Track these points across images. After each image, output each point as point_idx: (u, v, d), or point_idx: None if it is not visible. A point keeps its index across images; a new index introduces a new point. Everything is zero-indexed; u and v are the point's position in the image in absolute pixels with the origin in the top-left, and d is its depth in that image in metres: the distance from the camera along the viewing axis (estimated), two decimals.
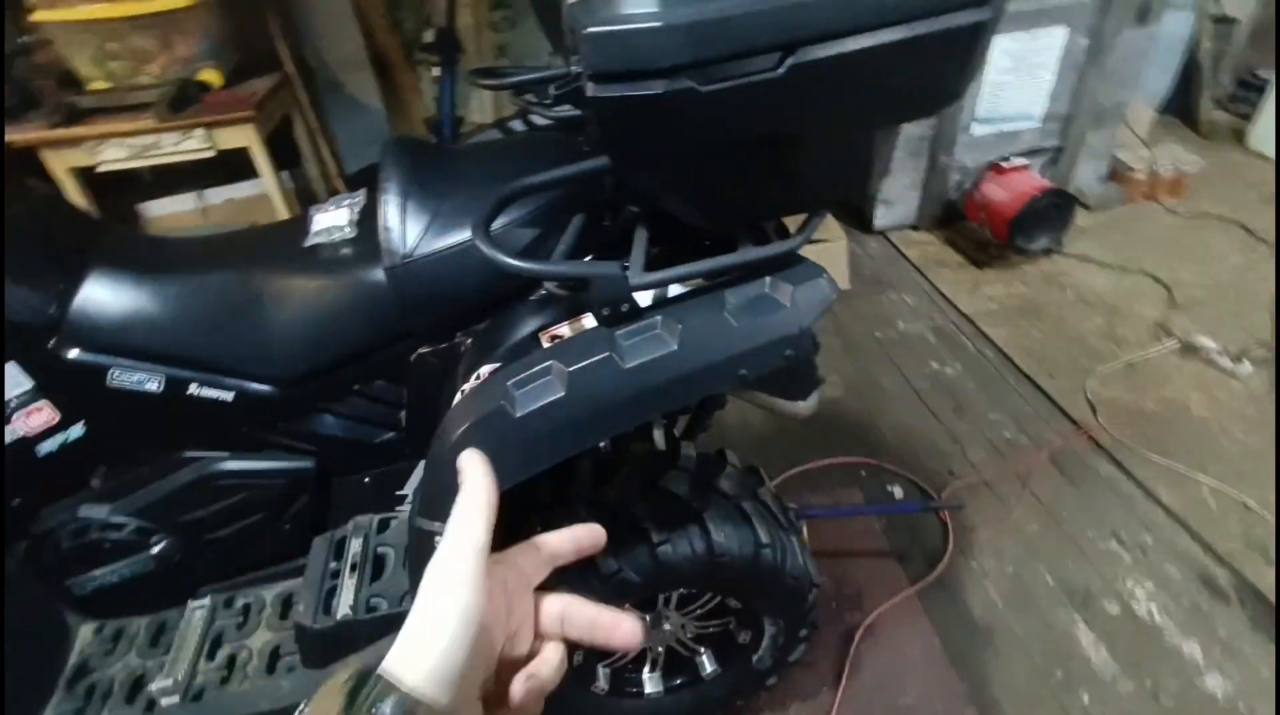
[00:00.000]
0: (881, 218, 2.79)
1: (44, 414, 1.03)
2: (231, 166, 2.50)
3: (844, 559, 1.62)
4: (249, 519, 1.16)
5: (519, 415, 0.80)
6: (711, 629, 1.24)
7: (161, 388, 1.04)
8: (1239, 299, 2.31)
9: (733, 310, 0.83)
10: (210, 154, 2.29)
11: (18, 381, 1.01)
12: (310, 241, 1.08)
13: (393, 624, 1.04)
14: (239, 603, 1.22)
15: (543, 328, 0.97)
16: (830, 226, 2.45)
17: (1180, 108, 3.43)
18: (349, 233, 1.08)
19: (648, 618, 1.19)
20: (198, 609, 1.20)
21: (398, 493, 1.08)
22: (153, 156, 2.26)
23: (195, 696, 1.10)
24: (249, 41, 2.49)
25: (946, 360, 2.17)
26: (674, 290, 0.90)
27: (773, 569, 1.08)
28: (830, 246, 2.40)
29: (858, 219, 2.87)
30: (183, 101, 2.23)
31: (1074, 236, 2.61)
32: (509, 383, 0.82)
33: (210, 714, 1.07)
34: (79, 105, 2.19)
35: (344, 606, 1.06)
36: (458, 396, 0.94)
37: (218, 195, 2.64)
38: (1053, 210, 2.49)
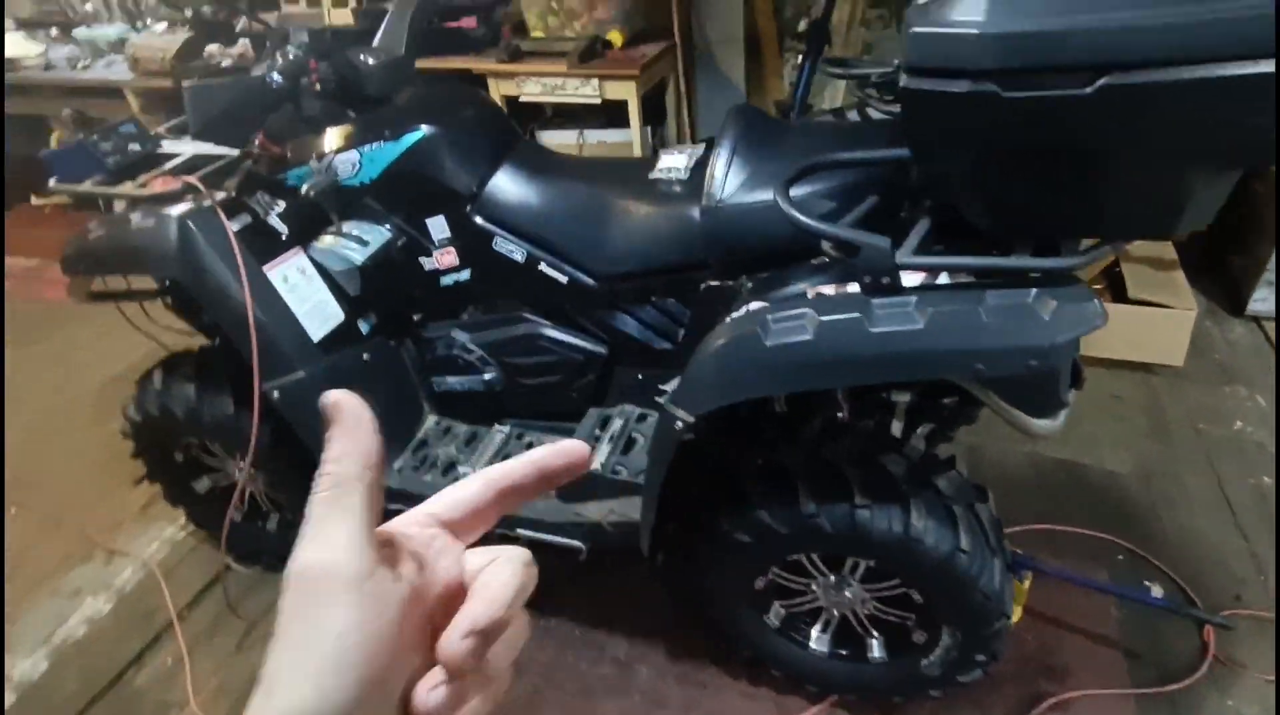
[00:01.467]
0: (1261, 301, 2.34)
1: (450, 256, 1.44)
2: (612, 114, 2.98)
3: (1063, 630, 1.51)
4: (550, 377, 1.49)
5: (768, 343, 0.96)
6: (890, 617, 1.29)
7: (523, 259, 1.39)
8: None
9: (988, 309, 0.88)
10: (597, 101, 2.76)
11: (442, 229, 1.42)
12: (653, 174, 1.34)
13: (625, 490, 1.29)
14: (526, 438, 1.58)
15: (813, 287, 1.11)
16: (1181, 292, 2.14)
17: None
18: (683, 174, 1.32)
19: (833, 578, 1.28)
20: (499, 432, 1.59)
21: (660, 387, 1.31)
22: (559, 96, 2.79)
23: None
24: (650, 11, 2.91)
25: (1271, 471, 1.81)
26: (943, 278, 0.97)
27: (965, 578, 1.10)
28: (1173, 314, 2.10)
29: (1228, 295, 2.44)
30: (589, 55, 2.72)
31: None
32: (768, 316, 0.98)
33: None
34: (520, 48, 2.78)
35: (596, 462, 1.34)
36: (727, 322, 1.12)
37: (593, 136, 3.15)
38: None
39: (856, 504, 1.11)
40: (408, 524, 0.31)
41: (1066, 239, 0.93)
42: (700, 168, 1.31)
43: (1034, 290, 0.88)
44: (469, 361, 1.50)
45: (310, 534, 0.26)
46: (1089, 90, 0.71)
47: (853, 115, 1.63)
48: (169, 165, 1.40)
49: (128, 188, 1.36)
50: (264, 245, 1.35)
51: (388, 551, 0.28)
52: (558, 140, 3.22)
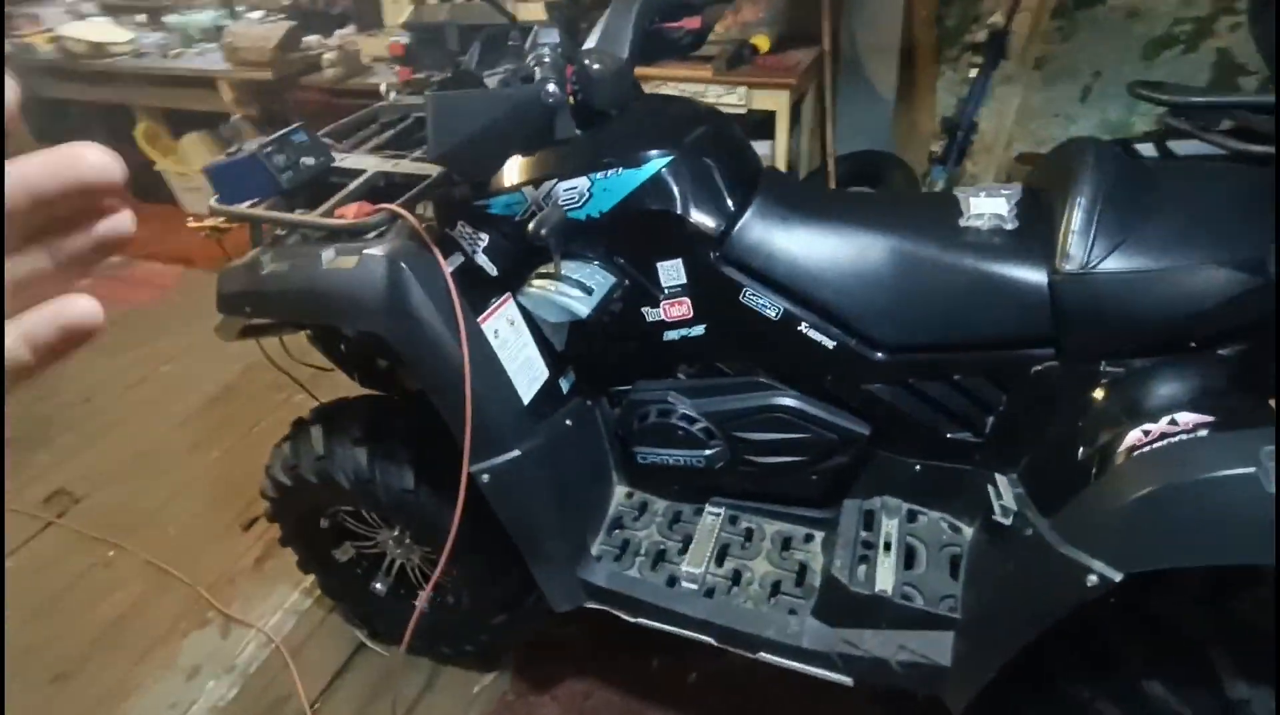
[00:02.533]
0: None
1: (683, 308, 1.18)
2: (746, 121, 2.72)
3: None
4: (789, 456, 1.22)
5: (1270, 491, 0.68)
6: None
7: (778, 317, 1.12)
8: None
9: None
10: (743, 111, 2.49)
11: (677, 275, 1.15)
12: (965, 222, 1.06)
13: (927, 622, 1.01)
14: (742, 524, 1.31)
15: (1259, 392, 0.83)
16: None
17: None
18: (1009, 224, 1.05)
19: None
20: (710, 514, 1.32)
21: (996, 503, 1.02)
22: None
23: (708, 593, 1.21)
24: (796, 15, 2.63)
25: None
26: None
27: None
28: None
29: None
30: (737, 60, 2.45)
31: None
32: (1265, 448, 0.70)
33: (719, 615, 1.17)
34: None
35: (883, 581, 1.06)
36: (1135, 433, 0.84)
37: None
38: None
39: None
40: None
41: None
42: (1028, 214, 1.04)
43: None
44: (691, 433, 1.24)
45: None
46: None
47: (1145, 148, 1.36)
48: (354, 185, 1.15)
49: (305, 213, 1.11)
50: (475, 291, 1.10)
51: None
52: None
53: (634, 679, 1.48)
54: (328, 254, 1.03)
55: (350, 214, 1.07)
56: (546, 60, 0.96)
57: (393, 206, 1.04)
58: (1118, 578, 0.77)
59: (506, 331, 1.13)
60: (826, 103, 2.73)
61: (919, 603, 1.05)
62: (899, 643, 1.05)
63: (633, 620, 1.23)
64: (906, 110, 2.84)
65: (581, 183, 1.11)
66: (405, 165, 1.21)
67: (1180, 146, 1.27)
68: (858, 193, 1.90)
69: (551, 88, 0.91)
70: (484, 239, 1.15)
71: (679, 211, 1.10)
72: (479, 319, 1.09)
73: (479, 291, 1.10)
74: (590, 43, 1.17)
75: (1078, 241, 0.94)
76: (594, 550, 1.29)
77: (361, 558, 1.51)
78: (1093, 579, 0.78)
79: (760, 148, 2.77)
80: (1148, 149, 1.33)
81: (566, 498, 1.24)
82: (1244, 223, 0.91)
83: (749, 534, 1.29)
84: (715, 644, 1.17)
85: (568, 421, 1.24)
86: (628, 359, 1.28)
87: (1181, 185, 1.00)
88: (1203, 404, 0.84)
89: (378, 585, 1.51)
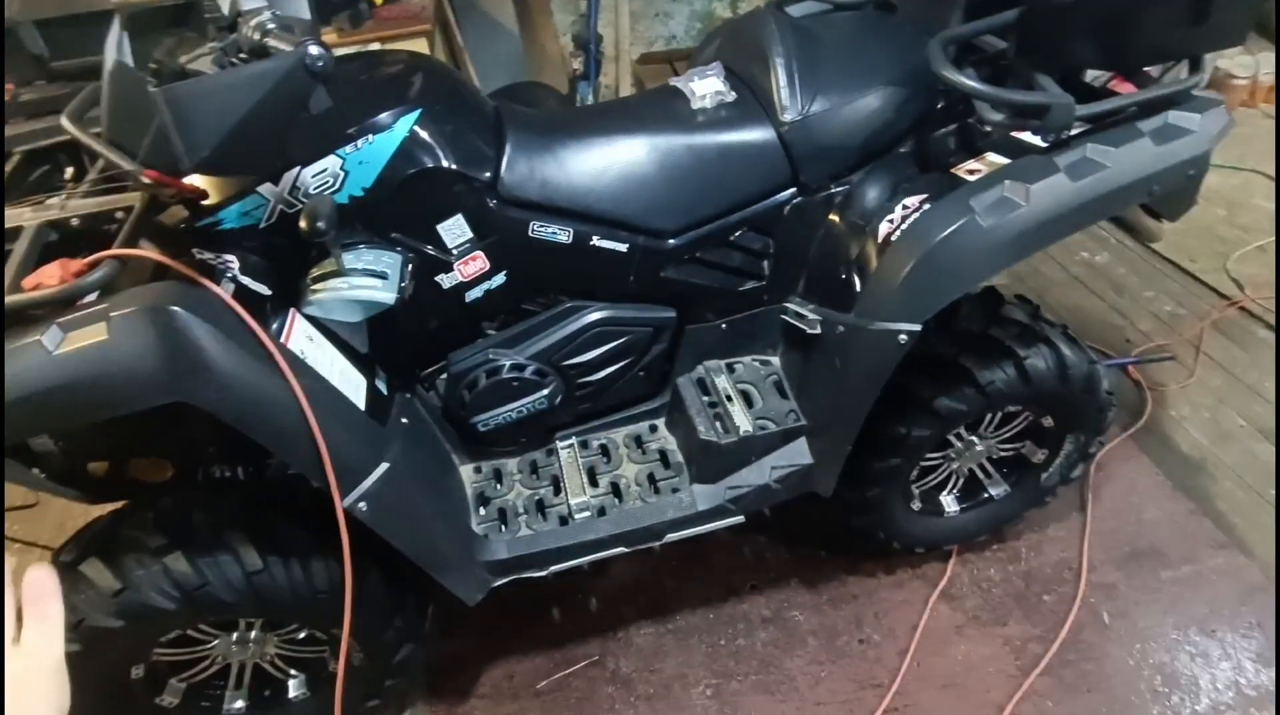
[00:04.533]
0: None
1: (478, 262, 1.15)
2: None
3: None
4: (617, 363, 1.30)
5: (987, 224, 0.96)
6: (1010, 452, 1.43)
7: (571, 239, 1.17)
8: None
9: (1150, 135, 0.99)
10: None
11: (461, 232, 1.13)
12: (696, 104, 1.20)
13: (785, 438, 1.21)
14: (594, 444, 1.38)
15: (935, 169, 1.13)
16: None
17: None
18: (729, 97, 1.21)
19: (963, 442, 1.37)
20: (563, 448, 1.36)
21: (796, 324, 1.22)
22: None
23: (600, 512, 1.26)
24: None
25: (1094, 251, 2.35)
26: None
27: (1099, 384, 1.27)
28: None
29: None
30: (358, 17, 2.29)
31: None
32: (971, 201, 0.97)
33: (623, 522, 1.24)
34: None
35: (743, 426, 1.23)
36: (884, 225, 1.09)
37: None
38: None
39: (1020, 357, 1.19)
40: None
41: (1166, 61, 1.07)
42: (740, 87, 1.22)
43: (1172, 111, 1.01)
44: (525, 380, 1.24)
45: None
46: None
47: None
48: (20, 249, 0.87)
49: None
50: (256, 319, 0.94)
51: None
52: None
53: (542, 636, 1.50)
54: (50, 337, 0.79)
55: (52, 280, 0.83)
56: (272, 27, 0.83)
57: (119, 251, 0.83)
58: (918, 327, 1.01)
59: (311, 349, 1.00)
60: (458, 44, 2.70)
61: (774, 427, 1.24)
62: (770, 465, 1.24)
63: (545, 573, 1.24)
64: (533, 38, 2.93)
65: (330, 163, 1.00)
66: (78, 204, 0.95)
67: (795, 10, 1.55)
68: (595, 106, 1.93)
69: (315, 50, 0.80)
70: (233, 260, 0.98)
71: (446, 164, 1.06)
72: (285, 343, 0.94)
73: (260, 318, 0.95)
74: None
75: (788, 95, 1.14)
76: (478, 532, 1.25)
77: (196, 689, 1.25)
78: (903, 337, 1.02)
79: None
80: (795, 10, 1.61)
81: (438, 493, 1.18)
82: (884, 53, 1.20)
83: (604, 449, 1.36)
84: (628, 550, 1.25)
85: (403, 419, 1.16)
86: (433, 336, 1.22)
87: (834, 35, 1.26)
88: (914, 188, 1.11)
89: (237, 705, 1.28)
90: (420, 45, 2.32)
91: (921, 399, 1.20)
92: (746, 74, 1.22)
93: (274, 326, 0.96)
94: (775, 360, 1.36)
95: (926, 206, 1.05)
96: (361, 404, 1.04)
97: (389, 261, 1.07)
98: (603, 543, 1.24)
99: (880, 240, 1.08)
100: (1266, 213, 2.46)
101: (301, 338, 1.00)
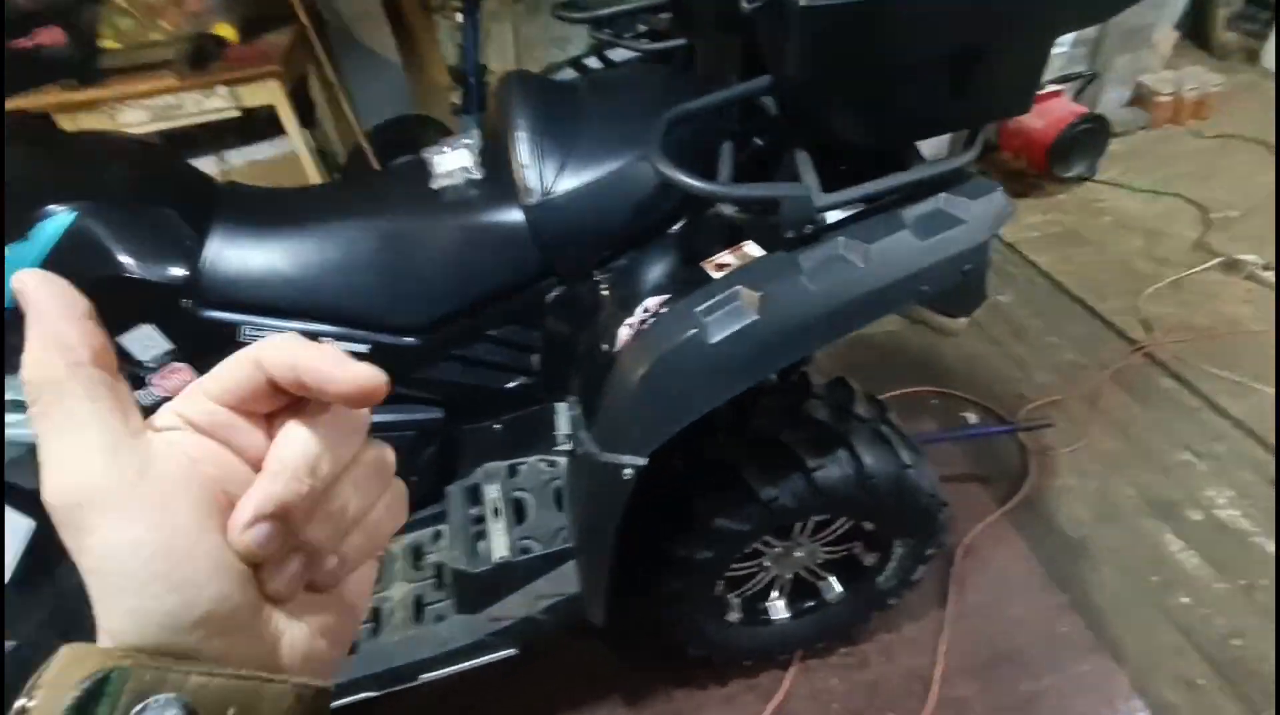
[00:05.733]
0: None
1: (181, 375, 1.00)
2: (247, 127, 2.41)
3: None
4: None
5: (714, 341, 0.80)
6: (839, 554, 1.27)
7: None
8: (1271, 215, 2.35)
9: (912, 227, 0.83)
10: (235, 113, 2.19)
11: (156, 343, 0.98)
12: (437, 183, 1.05)
13: (550, 563, 1.05)
14: None
15: (696, 258, 0.97)
16: None
17: (1191, 29, 3.43)
18: (476, 173, 1.06)
19: (782, 546, 1.21)
20: None
21: (555, 434, 1.07)
22: (176, 118, 2.16)
23: (350, 650, 1.10)
24: None
25: (998, 289, 2.19)
26: (831, 215, 0.90)
27: (914, 489, 1.10)
28: None
29: None
30: (201, 57, 2.13)
31: (1104, 163, 2.63)
32: (697, 310, 0.81)
33: (370, 664, 1.08)
34: (97, 67, 2.07)
35: (499, 550, 1.07)
36: (623, 330, 0.93)
37: (239, 157, 2.53)
38: (1087, 137, 2.50)
39: (810, 468, 1.03)
40: (189, 409, 0.26)
41: (938, 136, 0.92)
42: (491, 159, 1.06)
43: (942, 195, 0.85)
44: None
45: (46, 457, 0.23)
46: None
47: (592, 62, 1.48)
48: None
49: None
50: None
51: (162, 443, 0.24)
52: None
53: None
54: None
55: None
56: None
57: None
58: (643, 462, 0.85)
59: None
60: (332, 80, 2.54)
61: (537, 550, 1.08)
62: (535, 594, 1.08)
63: None
64: (418, 68, 2.78)
65: None
66: None
67: (616, 55, 1.40)
68: (330, 184, 1.80)
69: None
70: None
71: (115, 272, 0.91)
72: None
73: None
74: None
75: (530, 173, 0.99)
76: None
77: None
78: (628, 472, 0.86)
79: (273, 148, 2.51)
80: (593, 61, 1.46)
81: None
82: (649, 118, 1.03)
83: (378, 562, 1.21)
84: (377, 694, 1.09)
85: None
86: None
87: (599, 97, 1.10)
88: (661, 286, 0.96)
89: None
90: (271, 88, 2.16)
91: (698, 518, 1.05)
92: (502, 145, 1.07)
93: None
94: (562, 462, 1.20)
95: (664, 310, 0.89)
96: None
97: None
98: (346, 688, 1.08)
99: (618, 349, 0.92)
100: (1187, 243, 2.31)
101: None
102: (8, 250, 0.86)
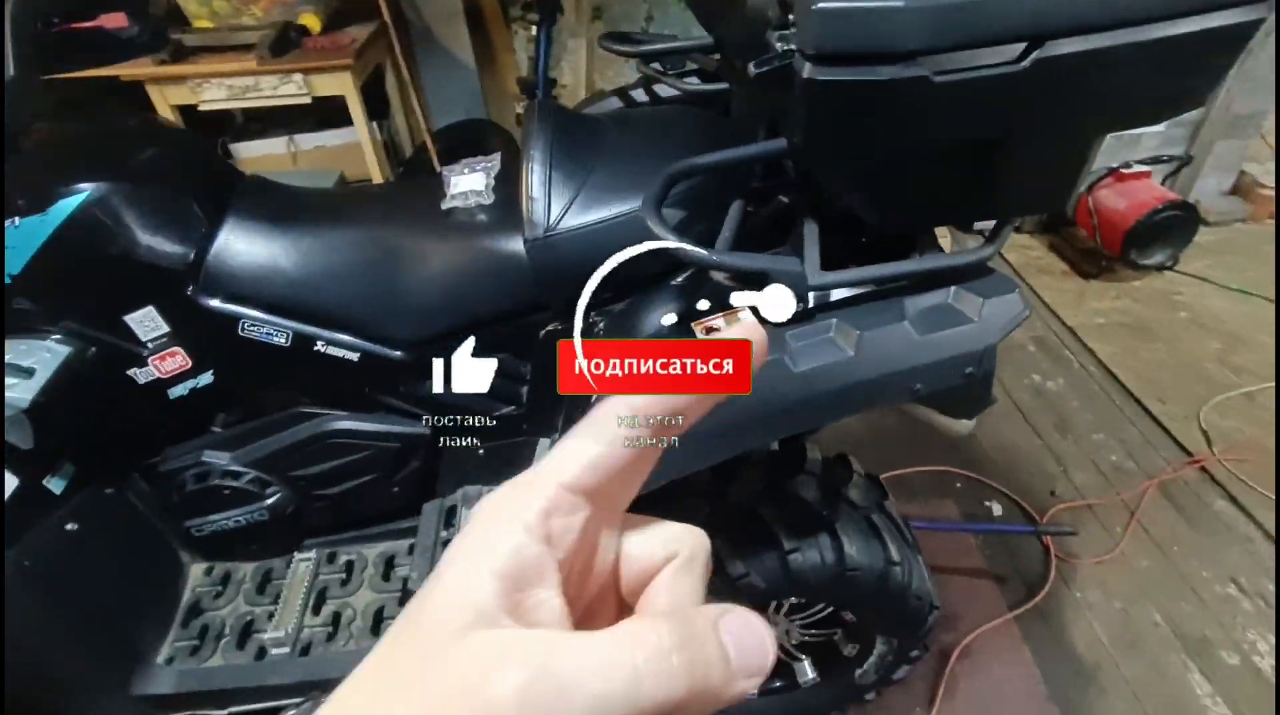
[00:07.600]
0: None
1: (177, 359, 1.02)
2: (322, 113, 2.50)
3: (940, 575, 1.56)
4: (360, 478, 1.15)
5: None
6: (817, 638, 1.20)
7: (289, 342, 1.03)
8: None
9: (913, 320, 0.77)
10: (306, 100, 2.27)
11: (155, 325, 1.00)
12: (447, 204, 1.04)
13: None
14: (341, 559, 1.22)
15: (689, 316, 0.92)
16: None
17: None
18: (486, 198, 1.05)
19: None
20: (302, 561, 1.20)
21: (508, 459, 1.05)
22: (251, 99, 2.25)
23: (303, 650, 1.10)
24: None
25: (1049, 373, 2.07)
26: (837, 292, 0.85)
27: (900, 588, 1.03)
28: None
29: None
30: (283, 45, 2.21)
31: (1191, 253, 2.46)
32: None
33: (319, 669, 1.07)
34: (184, 43, 2.18)
35: None
36: None
37: (308, 141, 2.63)
38: (1172, 224, 2.34)
39: (786, 550, 0.97)
40: (545, 509, 0.24)
41: (961, 223, 0.86)
42: (505, 185, 1.05)
43: (953, 289, 0.79)
44: (238, 489, 1.10)
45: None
46: (1024, 65, 0.61)
47: (639, 94, 1.46)
48: None
49: None
50: None
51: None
52: (262, 152, 2.65)
53: None
54: None
55: None
56: None
57: None
58: None
59: None
60: (405, 78, 2.61)
61: None
62: None
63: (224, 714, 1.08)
64: (491, 75, 2.83)
65: None
66: None
67: (663, 90, 1.38)
68: (346, 190, 1.83)
69: None
70: None
71: (118, 251, 0.93)
72: None
73: None
74: None
75: (537, 206, 0.97)
76: (162, 655, 1.10)
77: None
78: None
79: (340, 136, 2.59)
80: (639, 94, 1.44)
81: (92, 612, 1.04)
82: (666, 161, 1.00)
83: (349, 567, 1.20)
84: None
85: (69, 525, 1.02)
86: (140, 428, 1.09)
87: (626, 134, 1.07)
88: (653, 338, 0.92)
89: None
90: (343, 79, 2.23)
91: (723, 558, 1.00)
92: (515, 174, 1.05)
93: None
94: None
95: None
96: None
97: (45, 356, 0.94)
98: (286, 690, 1.07)
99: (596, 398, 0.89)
100: (1270, 353, 2.12)
101: None
102: (23, 224, 0.89)
